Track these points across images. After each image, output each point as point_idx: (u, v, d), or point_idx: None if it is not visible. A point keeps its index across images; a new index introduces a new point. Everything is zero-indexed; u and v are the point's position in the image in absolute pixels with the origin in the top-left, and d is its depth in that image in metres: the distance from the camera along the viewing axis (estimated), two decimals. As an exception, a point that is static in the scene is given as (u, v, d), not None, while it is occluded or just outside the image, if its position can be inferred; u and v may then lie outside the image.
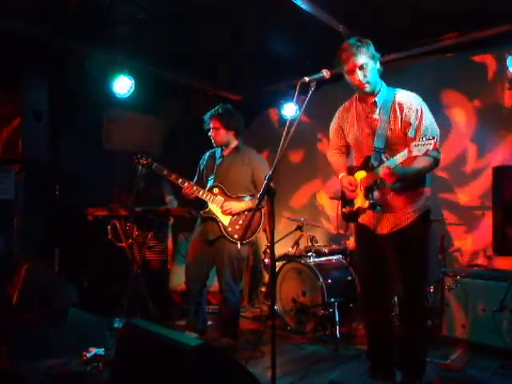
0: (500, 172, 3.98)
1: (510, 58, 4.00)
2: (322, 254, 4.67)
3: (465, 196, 4.65)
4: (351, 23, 4.12)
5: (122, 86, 4.71)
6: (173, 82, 5.55)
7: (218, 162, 3.89)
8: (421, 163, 2.61)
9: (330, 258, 4.66)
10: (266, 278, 5.73)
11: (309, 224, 5.10)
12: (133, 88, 4.75)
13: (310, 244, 4.85)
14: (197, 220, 3.97)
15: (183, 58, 5.00)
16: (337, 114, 3.02)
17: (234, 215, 3.72)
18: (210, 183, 3.85)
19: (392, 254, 2.78)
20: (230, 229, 3.70)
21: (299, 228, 4.99)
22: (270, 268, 4.81)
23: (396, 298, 3.45)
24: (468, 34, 4.33)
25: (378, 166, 2.64)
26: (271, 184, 2.35)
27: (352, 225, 3.09)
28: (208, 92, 5.95)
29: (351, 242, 4.69)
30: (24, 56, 4.31)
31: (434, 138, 2.35)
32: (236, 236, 3.68)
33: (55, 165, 4.84)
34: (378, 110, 2.75)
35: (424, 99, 2.76)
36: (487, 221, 4.31)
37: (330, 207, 5.59)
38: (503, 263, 3.72)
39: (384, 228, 2.77)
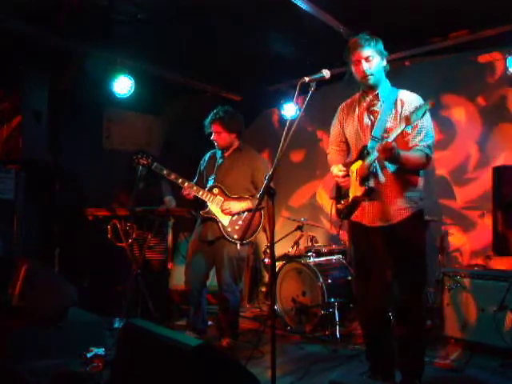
0: (500, 172, 3.98)
1: (510, 58, 4.00)
2: (322, 253, 4.67)
3: (465, 196, 4.66)
4: (351, 23, 4.12)
5: (122, 86, 4.72)
6: (173, 82, 5.55)
7: (218, 162, 3.89)
8: (414, 152, 2.65)
9: (330, 257, 4.66)
10: (266, 278, 5.74)
11: (309, 224, 5.10)
12: (133, 88, 4.76)
13: (309, 244, 4.85)
14: (196, 220, 3.97)
15: (183, 58, 5.01)
16: (338, 110, 3.04)
17: (233, 215, 3.72)
18: (209, 183, 3.85)
19: (385, 250, 2.77)
20: (229, 229, 3.70)
21: (299, 228, 4.99)
22: (270, 268, 4.80)
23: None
24: (469, 34, 4.33)
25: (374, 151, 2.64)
26: (271, 184, 2.35)
27: (346, 223, 3.08)
28: (208, 92, 5.95)
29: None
30: (24, 56, 4.31)
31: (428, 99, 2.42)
32: (235, 236, 3.68)
33: (55, 165, 4.84)
34: (379, 103, 2.78)
35: (425, 100, 2.77)
36: (487, 221, 4.31)
37: (330, 207, 5.59)
38: (503, 263, 3.71)
39: (376, 220, 2.76)
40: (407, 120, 2.45)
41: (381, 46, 2.74)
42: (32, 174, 4.40)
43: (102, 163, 5.18)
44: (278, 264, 4.57)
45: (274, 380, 2.27)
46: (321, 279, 4.11)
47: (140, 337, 2.24)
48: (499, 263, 3.73)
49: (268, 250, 5.05)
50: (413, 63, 4.98)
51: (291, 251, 4.95)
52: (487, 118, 4.56)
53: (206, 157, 4.05)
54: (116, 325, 4.05)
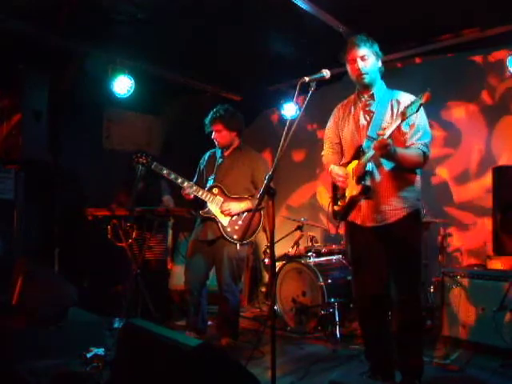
0: (500, 172, 3.98)
1: (510, 58, 4.00)
2: (322, 253, 4.67)
3: (465, 196, 4.66)
4: (351, 23, 4.12)
5: (122, 85, 4.72)
6: (173, 82, 5.55)
7: (218, 162, 3.89)
8: (411, 150, 2.67)
9: (330, 257, 4.66)
10: (266, 278, 5.74)
11: (309, 224, 5.10)
12: (132, 88, 4.76)
13: (309, 244, 4.85)
14: (196, 220, 3.97)
15: (183, 58, 5.00)
16: (334, 111, 3.05)
17: (233, 216, 3.72)
18: (209, 183, 3.85)
19: (383, 253, 2.78)
20: (229, 229, 3.70)
21: (299, 228, 4.99)
22: (270, 268, 4.81)
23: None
24: (469, 34, 4.33)
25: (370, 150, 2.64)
26: (271, 184, 2.35)
27: (343, 224, 3.09)
28: (208, 92, 5.95)
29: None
30: (24, 56, 4.31)
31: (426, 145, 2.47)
32: (235, 236, 3.68)
33: (55, 165, 4.84)
34: (375, 103, 2.79)
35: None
36: (487, 221, 4.31)
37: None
38: (503, 263, 3.71)
39: (373, 220, 2.76)
40: (402, 115, 2.45)
41: (377, 47, 2.77)
42: (32, 173, 4.40)
43: (101, 163, 5.18)
44: (278, 264, 4.57)
45: (273, 380, 2.26)
46: (321, 279, 4.11)
47: (140, 337, 2.24)
48: (499, 263, 3.73)
49: (268, 250, 5.05)
50: (413, 63, 4.98)
51: (291, 251, 4.94)
52: (488, 118, 4.56)
53: (206, 156, 4.05)
54: (116, 325, 4.05)
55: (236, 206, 3.71)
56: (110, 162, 5.27)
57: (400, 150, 2.61)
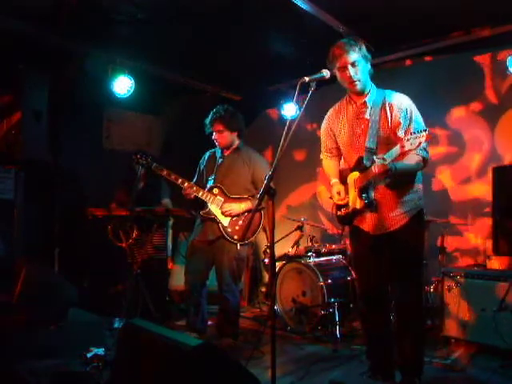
0: (500, 172, 3.98)
1: (510, 58, 4.00)
2: (322, 253, 4.67)
3: (465, 196, 4.65)
4: (351, 23, 4.12)
5: (122, 85, 4.72)
6: (173, 82, 5.54)
7: (218, 162, 3.89)
8: (411, 160, 2.64)
9: (330, 257, 4.66)
10: (266, 278, 5.74)
11: (309, 224, 5.10)
12: (132, 88, 4.76)
13: (309, 244, 4.85)
14: (196, 220, 3.96)
15: (183, 58, 5.00)
16: (327, 116, 3.03)
17: (234, 216, 3.72)
18: (209, 183, 3.84)
19: (386, 255, 2.80)
20: (229, 229, 3.70)
21: (299, 228, 4.99)
22: (270, 268, 4.81)
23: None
24: (469, 34, 4.33)
25: (371, 165, 2.64)
26: (271, 184, 2.35)
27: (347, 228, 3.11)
28: (208, 92, 5.95)
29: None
30: (24, 56, 4.31)
31: (425, 130, 2.37)
32: (236, 237, 3.68)
33: (55, 165, 4.84)
34: (368, 111, 2.77)
35: (423, 100, 2.78)
36: (487, 221, 4.31)
37: (330, 206, 5.60)
38: (503, 263, 3.71)
39: (377, 229, 2.78)
40: (402, 148, 2.42)
41: (364, 49, 2.73)
42: (32, 173, 4.40)
43: (101, 163, 5.18)
44: (278, 264, 4.57)
45: (273, 380, 2.26)
46: (321, 279, 4.11)
47: (140, 337, 2.24)
48: (499, 263, 3.73)
49: (268, 250, 5.04)
50: (413, 63, 4.98)
51: (291, 251, 4.94)
52: (488, 118, 4.55)
53: (206, 156, 4.05)
54: (116, 325, 4.05)
55: (237, 207, 3.71)
56: (110, 162, 5.27)
57: (401, 166, 2.59)
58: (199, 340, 2.09)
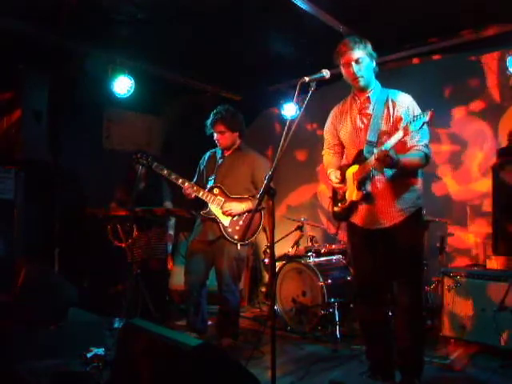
0: (500, 172, 3.97)
1: (510, 57, 4.00)
2: (322, 254, 4.67)
3: (465, 195, 4.65)
4: (351, 23, 4.12)
5: (122, 85, 4.72)
6: (173, 82, 5.55)
7: (218, 162, 3.89)
8: (413, 155, 2.66)
9: (330, 257, 4.66)
10: (266, 278, 5.74)
11: (309, 224, 5.10)
12: (133, 88, 4.76)
13: (309, 244, 4.85)
14: (196, 220, 3.96)
15: (183, 58, 5.00)
16: (331, 113, 3.06)
17: (234, 216, 3.72)
18: (210, 183, 3.84)
19: (380, 250, 2.79)
20: (230, 229, 3.70)
21: (299, 228, 4.99)
22: (270, 268, 4.81)
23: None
24: (469, 34, 4.34)
25: (371, 157, 2.65)
26: (271, 184, 2.35)
27: (343, 224, 3.10)
28: (208, 92, 5.95)
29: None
30: (24, 56, 4.31)
31: (427, 109, 2.38)
32: (236, 237, 3.68)
33: (55, 165, 4.84)
34: (371, 106, 2.80)
35: (425, 99, 2.78)
36: (487, 221, 4.31)
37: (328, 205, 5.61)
38: (503, 263, 3.71)
39: (373, 223, 2.78)
40: (405, 130, 2.45)
41: (370, 47, 2.77)
42: (32, 173, 4.40)
43: (101, 163, 5.18)
44: (278, 264, 4.57)
45: (273, 380, 2.26)
46: (321, 279, 4.11)
47: (140, 337, 2.24)
48: (499, 263, 3.73)
49: (268, 250, 5.05)
50: (413, 63, 4.98)
51: (291, 251, 4.95)
52: (488, 118, 4.56)
53: (206, 156, 4.05)
54: (116, 325, 4.05)
55: (237, 207, 3.71)
56: (110, 161, 5.27)
57: (404, 158, 2.61)
58: (199, 340, 2.09)
